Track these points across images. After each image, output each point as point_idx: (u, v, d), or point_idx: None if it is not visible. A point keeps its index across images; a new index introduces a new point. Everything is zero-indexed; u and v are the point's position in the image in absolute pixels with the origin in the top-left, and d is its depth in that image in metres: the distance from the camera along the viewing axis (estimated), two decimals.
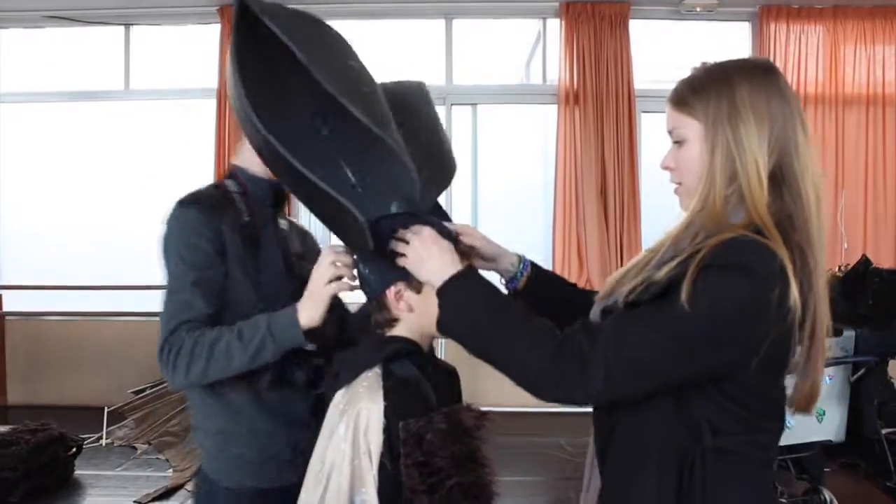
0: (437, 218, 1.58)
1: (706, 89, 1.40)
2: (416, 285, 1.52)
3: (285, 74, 1.42)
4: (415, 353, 1.56)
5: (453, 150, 1.74)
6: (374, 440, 1.42)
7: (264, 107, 1.37)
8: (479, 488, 1.48)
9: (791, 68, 6.10)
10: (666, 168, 1.48)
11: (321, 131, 1.50)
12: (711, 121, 1.37)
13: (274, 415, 1.78)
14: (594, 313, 1.48)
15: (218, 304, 1.73)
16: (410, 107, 1.63)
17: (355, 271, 1.58)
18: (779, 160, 1.36)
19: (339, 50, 1.53)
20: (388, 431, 1.43)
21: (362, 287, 1.58)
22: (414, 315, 1.54)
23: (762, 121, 1.35)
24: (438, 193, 1.66)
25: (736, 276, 1.27)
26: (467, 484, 1.45)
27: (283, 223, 1.89)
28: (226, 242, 1.75)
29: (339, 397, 1.50)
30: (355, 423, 1.42)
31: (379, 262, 1.52)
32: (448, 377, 1.63)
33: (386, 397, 1.45)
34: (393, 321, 1.56)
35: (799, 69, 6.10)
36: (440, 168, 1.66)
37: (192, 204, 1.80)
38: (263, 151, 1.44)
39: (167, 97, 6.53)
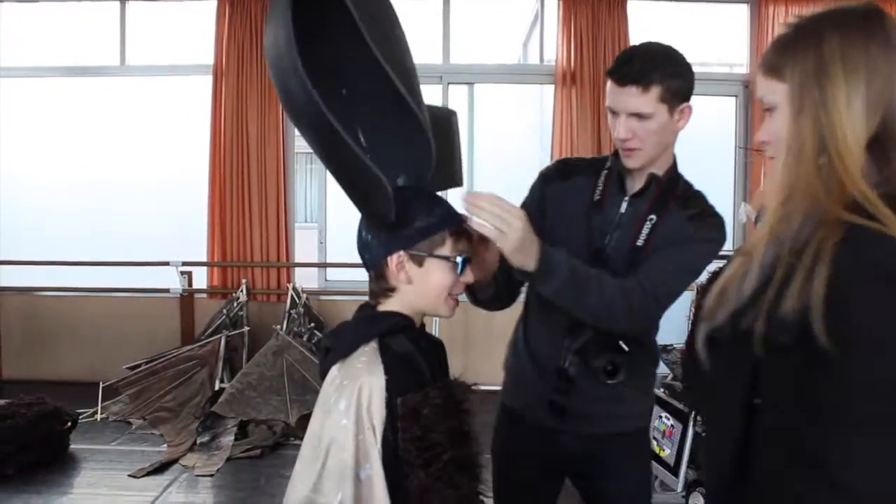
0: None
1: (793, 46, 1.23)
2: (418, 258, 1.53)
3: (330, 25, 1.39)
4: (409, 327, 1.57)
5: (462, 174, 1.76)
6: (378, 415, 1.42)
7: (306, 58, 1.29)
8: (471, 462, 1.49)
9: None
10: (760, 144, 1.30)
11: (340, 89, 1.48)
12: (798, 80, 1.20)
13: None
14: (700, 337, 1.32)
15: None
16: (436, 130, 1.53)
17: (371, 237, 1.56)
18: (884, 120, 1.17)
19: (388, 16, 1.51)
20: (390, 406, 1.44)
21: (361, 253, 1.58)
22: (411, 288, 1.54)
23: (857, 75, 1.16)
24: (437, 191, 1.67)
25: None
26: (460, 458, 1.47)
27: None
28: None
29: (335, 372, 1.50)
30: (357, 398, 1.42)
31: (382, 231, 1.53)
32: (435, 350, 1.63)
33: (387, 371, 1.45)
34: (389, 291, 1.56)
35: None
36: (445, 180, 1.68)
37: None
38: (299, 104, 1.34)
39: (163, 73, 6.50)
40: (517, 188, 7.18)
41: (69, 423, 4.79)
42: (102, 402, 5.44)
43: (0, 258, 6.49)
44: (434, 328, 5.83)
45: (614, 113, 1.88)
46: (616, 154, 1.97)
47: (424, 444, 1.44)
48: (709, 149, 6.38)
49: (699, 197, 1.98)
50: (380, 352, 1.49)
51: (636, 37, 6.09)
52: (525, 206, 2.11)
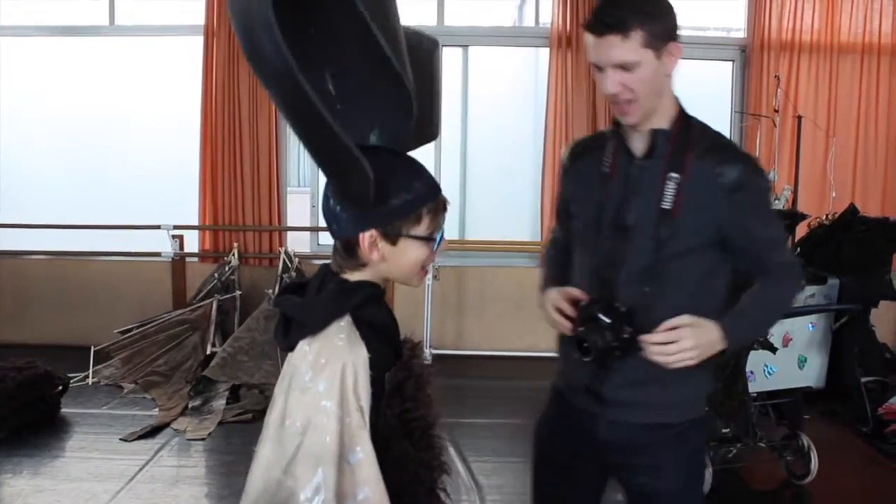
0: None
1: None
2: (392, 237, 1.44)
3: None
4: (380, 297, 1.52)
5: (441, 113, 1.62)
6: (364, 395, 1.37)
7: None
8: (436, 423, 1.50)
9: (787, 16, 6.02)
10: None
11: (307, 28, 1.33)
12: None
13: None
14: None
15: None
16: (417, 60, 1.45)
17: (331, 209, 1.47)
18: None
19: None
20: (375, 383, 1.40)
21: (328, 221, 1.48)
22: (383, 264, 1.46)
23: None
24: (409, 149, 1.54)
25: None
26: (433, 422, 1.48)
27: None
28: None
29: (307, 347, 1.41)
30: (341, 379, 1.36)
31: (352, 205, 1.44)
32: (389, 312, 1.56)
33: (369, 348, 1.40)
34: (361, 266, 1.48)
35: (795, 17, 6.02)
36: (422, 130, 1.52)
37: None
38: (269, 67, 1.22)
39: (153, 33, 6.41)
40: (509, 152, 7.14)
41: (60, 387, 4.79)
42: (94, 366, 5.42)
43: None
44: (426, 292, 5.81)
45: (599, 69, 1.77)
46: (616, 122, 1.89)
47: (409, 417, 1.43)
48: (705, 114, 6.31)
49: (720, 142, 1.89)
50: (356, 326, 1.42)
51: None
52: (560, 200, 2.13)
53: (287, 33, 1.16)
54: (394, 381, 1.43)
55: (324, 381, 1.36)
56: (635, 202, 1.84)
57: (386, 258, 1.45)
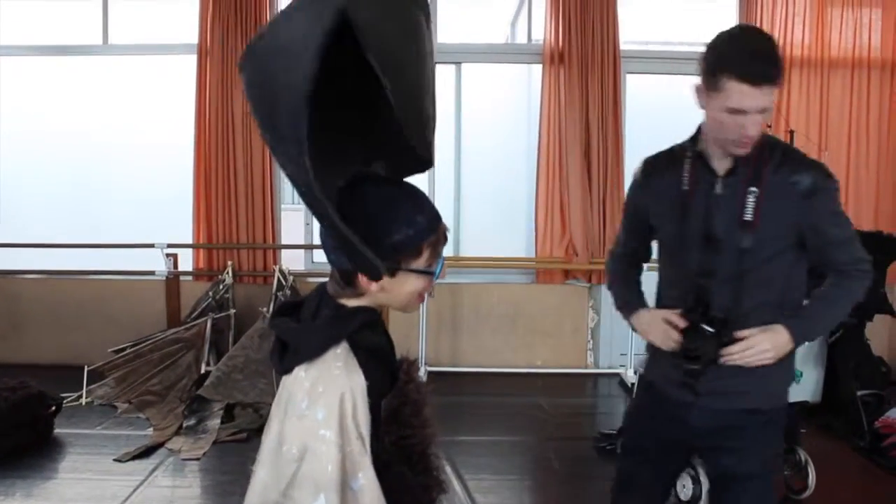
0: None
1: None
2: (392, 270, 1.42)
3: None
4: (377, 322, 1.51)
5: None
6: (364, 422, 1.37)
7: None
8: (432, 443, 1.52)
9: (778, 31, 6.05)
10: None
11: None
12: None
13: None
14: None
15: None
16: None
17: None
18: None
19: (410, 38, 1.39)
20: (372, 409, 1.40)
21: (326, 252, 1.48)
22: (382, 294, 1.46)
23: None
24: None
25: None
26: (430, 443, 1.50)
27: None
28: None
29: (303, 374, 1.41)
30: (340, 407, 1.35)
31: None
32: (386, 334, 1.57)
33: (367, 375, 1.40)
34: (358, 295, 1.46)
35: (785, 32, 6.06)
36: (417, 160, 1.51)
37: None
38: (291, 163, 1.28)
39: (147, 52, 6.41)
40: (502, 168, 7.13)
41: (53, 408, 4.76)
42: (88, 385, 5.39)
43: None
44: (421, 310, 5.80)
45: (738, 112, 1.90)
46: (693, 139, 2.10)
47: (408, 443, 1.45)
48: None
49: (791, 154, 2.08)
50: (353, 352, 1.42)
51: (625, 17, 6.04)
52: (628, 216, 2.34)
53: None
54: (389, 407, 1.44)
55: (322, 410, 1.36)
56: (719, 216, 2.03)
57: (385, 289, 1.45)
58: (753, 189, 1.98)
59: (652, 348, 2.27)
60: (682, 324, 2.07)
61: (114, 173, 6.51)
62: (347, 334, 1.43)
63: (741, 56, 1.90)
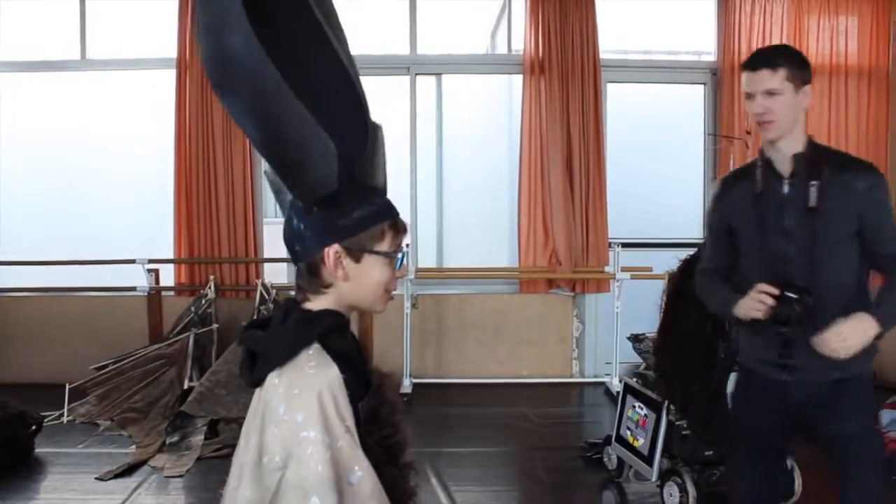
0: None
1: None
2: (356, 252, 1.43)
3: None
4: (345, 327, 1.49)
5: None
6: (348, 414, 1.35)
7: None
8: (407, 447, 1.52)
9: (755, 38, 6.11)
10: None
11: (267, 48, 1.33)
12: None
13: None
14: None
15: None
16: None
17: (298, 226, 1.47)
18: None
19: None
20: (352, 404, 1.38)
21: (291, 244, 1.47)
22: (347, 284, 1.45)
23: None
24: None
25: None
26: (406, 447, 1.50)
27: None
28: None
29: (276, 380, 1.38)
30: (320, 406, 1.33)
31: (316, 220, 1.43)
32: (355, 341, 1.55)
33: (342, 370, 1.38)
34: (324, 288, 1.46)
35: (763, 39, 6.11)
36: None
37: None
38: (237, 60, 1.27)
39: (126, 67, 6.38)
40: (485, 179, 7.11)
41: (34, 427, 4.69)
42: (69, 403, 5.32)
43: None
44: (405, 321, 5.79)
45: (750, 96, 2.36)
46: (762, 151, 2.43)
47: (390, 443, 1.44)
48: (679, 135, 6.40)
49: (844, 157, 2.46)
50: (326, 352, 1.41)
51: (604, 26, 6.08)
52: (713, 232, 2.66)
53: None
54: (367, 408, 1.42)
55: (301, 412, 1.33)
56: (789, 210, 2.37)
57: (350, 277, 1.44)
58: (814, 182, 2.32)
59: (747, 337, 2.57)
60: (772, 291, 2.32)
61: (94, 189, 6.48)
62: (317, 336, 1.41)
63: (749, 57, 2.42)
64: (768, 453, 2.63)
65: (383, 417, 1.44)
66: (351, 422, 1.35)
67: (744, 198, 2.48)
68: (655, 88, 6.40)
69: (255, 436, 1.38)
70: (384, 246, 1.46)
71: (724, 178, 2.69)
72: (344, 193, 1.39)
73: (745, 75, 2.38)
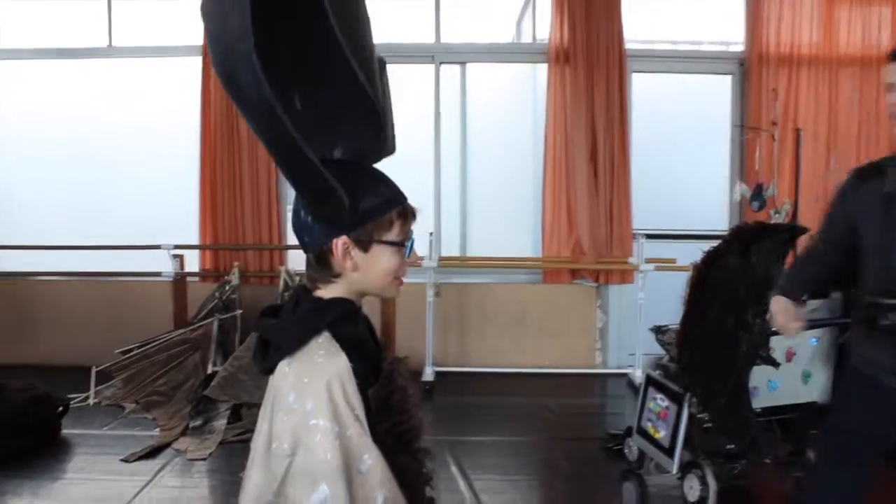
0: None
1: None
2: (364, 243, 1.44)
3: None
4: (356, 313, 1.51)
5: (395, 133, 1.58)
6: (358, 403, 1.36)
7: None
8: (422, 432, 1.51)
9: (785, 29, 6.03)
10: None
11: (279, 45, 1.31)
12: None
13: None
14: None
15: None
16: None
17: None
18: None
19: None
20: (361, 393, 1.39)
21: (300, 235, 1.48)
22: (356, 274, 1.46)
23: None
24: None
25: None
26: (420, 433, 1.49)
27: None
28: None
29: (286, 368, 1.40)
30: (329, 394, 1.34)
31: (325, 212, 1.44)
32: (370, 327, 1.57)
33: (350, 359, 1.39)
34: (333, 278, 1.47)
35: (793, 30, 6.03)
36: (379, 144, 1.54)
37: None
38: (248, 96, 1.24)
39: (152, 55, 6.42)
40: (509, 168, 7.07)
41: (61, 408, 4.77)
42: (95, 386, 5.41)
43: None
44: (428, 310, 5.79)
45: (892, 87, 2.38)
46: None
47: (401, 430, 1.43)
48: (704, 126, 6.34)
49: None
50: (336, 340, 1.42)
51: (630, 15, 6.03)
52: (831, 221, 2.61)
53: (260, 53, 1.18)
54: (378, 396, 1.42)
55: (310, 400, 1.34)
56: None
57: (359, 266, 1.45)
58: None
59: (861, 336, 2.51)
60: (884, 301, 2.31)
61: (120, 175, 6.53)
62: (327, 324, 1.42)
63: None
64: (867, 465, 2.57)
65: (394, 405, 1.44)
66: (360, 410, 1.36)
67: (873, 195, 2.40)
68: (681, 79, 6.34)
69: (265, 422, 1.40)
70: (392, 235, 1.46)
71: (858, 170, 2.58)
72: (350, 183, 1.38)
73: (888, 66, 2.37)
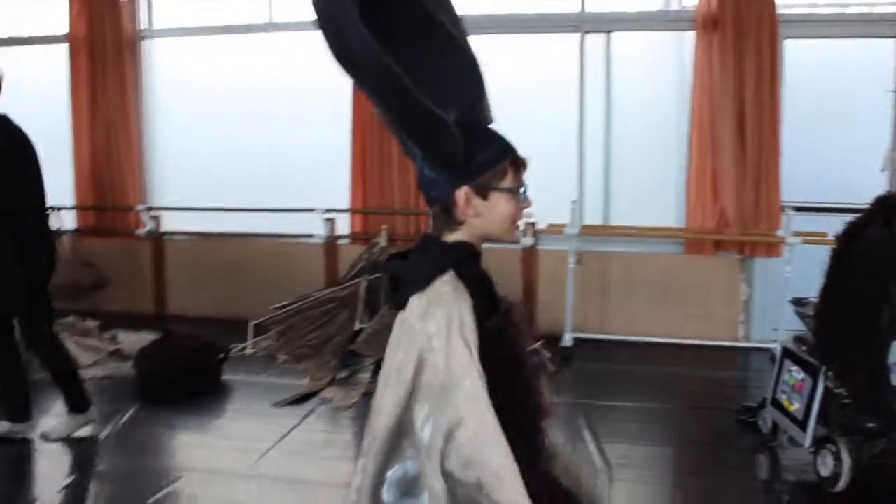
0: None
1: None
2: (484, 191, 1.59)
3: None
4: (478, 255, 1.65)
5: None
6: (472, 337, 1.51)
7: None
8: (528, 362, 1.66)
9: None
10: None
11: (378, 19, 1.50)
12: None
13: None
14: None
15: None
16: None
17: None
18: None
19: None
20: (478, 330, 1.53)
21: (427, 191, 1.65)
22: (478, 220, 1.61)
23: None
24: None
25: None
26: (531, 371, 1.65)
27: None
28: None
29: (416, 301, 1.55)
30: (447, 321, 1.50)
31: (445, 167, 1.59)
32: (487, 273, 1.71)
33: (472, 296, 1.55)
34: (457, 225, 1.62)
35: None
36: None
37: None
38: (360, 61, 1.45)
39: (308, 28, 6.67)
40: (653, 137, 6.94)
41: (222, 356, 5.19)
42: (253, 338, 5.84)
43: (165, 204, 7.05)
44: (569, 277, 5.83)
45: None
46: None
47: (511, 363, 1.58)
48: (867, 94, 5.97)
49: None
50: (460, 279, 1.57)
51: None
52: None
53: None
54: (495, 328, 1.57)
55: (433, 325, 1.50)
56: None
57: (479, 213, 1.61)
58: None
59: None
60: None
61: (278, 144, 6.89)
62: (453, 263, 1.59)
63: None
64: None
65: (507, 337, 1.60)
66: (473, 342, 1.51)
67: None
68: (840, 44, 6.01)
69: (397, 351, 1.56)
70: (507, 182, 1.62)
71: None
72: (465, 140, 1.55)
73: None
